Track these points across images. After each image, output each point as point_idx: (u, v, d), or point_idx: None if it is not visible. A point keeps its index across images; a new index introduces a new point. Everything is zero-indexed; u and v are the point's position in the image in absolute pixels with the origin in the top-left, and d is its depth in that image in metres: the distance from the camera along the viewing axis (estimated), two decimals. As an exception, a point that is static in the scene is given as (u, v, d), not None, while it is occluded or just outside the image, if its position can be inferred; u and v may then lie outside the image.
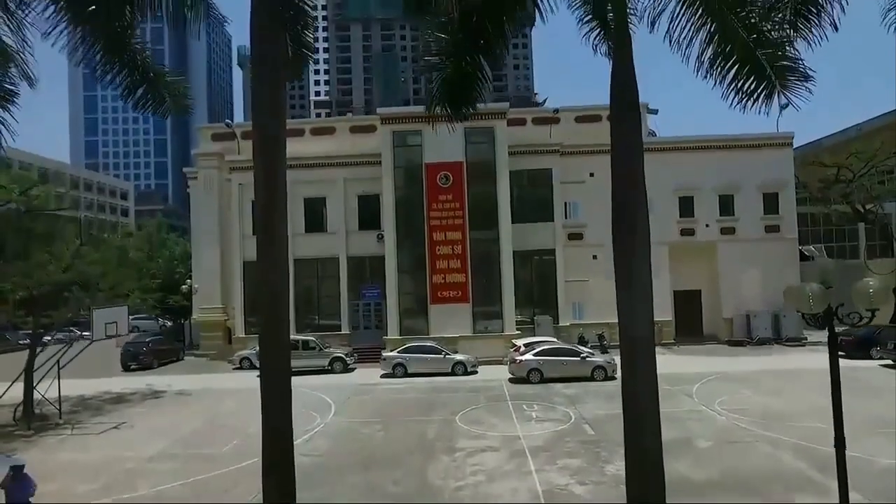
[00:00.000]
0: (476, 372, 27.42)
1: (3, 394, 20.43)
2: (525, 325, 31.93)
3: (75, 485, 14.10)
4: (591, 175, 32.46)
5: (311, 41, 10.42)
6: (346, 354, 29.63)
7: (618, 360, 8.33)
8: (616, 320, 7.91)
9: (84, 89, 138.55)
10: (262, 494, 8.13)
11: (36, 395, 20.70)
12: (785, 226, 34.83)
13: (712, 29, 8.61)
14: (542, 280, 33.55)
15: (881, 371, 24.30)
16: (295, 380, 9.25)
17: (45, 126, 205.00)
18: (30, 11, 9.48)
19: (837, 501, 7.57)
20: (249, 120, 11.55)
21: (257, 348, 9.35)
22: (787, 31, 8.54)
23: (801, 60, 8.40)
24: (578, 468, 14.07)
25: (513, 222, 31.82)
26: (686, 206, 34.79)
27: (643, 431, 7.63)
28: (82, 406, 23.04)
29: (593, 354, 25.98)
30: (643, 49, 9.42)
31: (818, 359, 19.32)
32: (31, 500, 10.87)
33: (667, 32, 8.92)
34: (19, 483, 10.74)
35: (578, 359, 24.90)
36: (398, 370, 27.21)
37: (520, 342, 27.39)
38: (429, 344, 28.35)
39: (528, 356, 25.00)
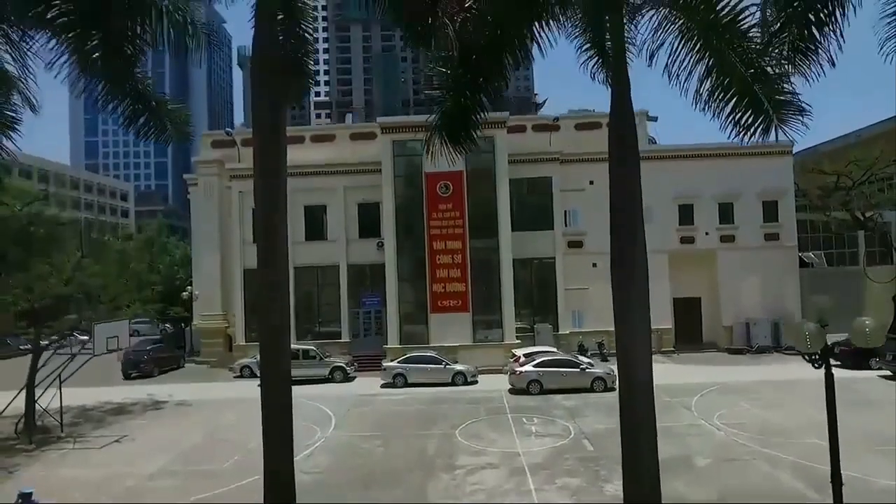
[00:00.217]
0: (476, 382, 27.46)
1: (4, 410, 20.47)
2: (525, 332, 31.94)
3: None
4: (591, 183, 32.34)
5: (312, 71, 10.50)
6: (347, 364, 29.60)
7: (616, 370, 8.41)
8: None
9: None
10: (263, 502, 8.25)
11: (37, 407, 20.73)
12: (784, 233, 34.87)
13: (710, 63, 8.69)
14: (541, 288, 33.60)
15: (880, 382, 24.37)
16: (295, 390, 9.32)
17: (45, 126, 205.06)
18: (33, 43, 9.61)
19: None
20: (249, 122, 11.62)
21: (258, 356, 9.37)
22: (785, 66, 8.60)
23: (798, 95, 8.49)
24: (578, 488, 14.16)
25: (513, 230, 31.82)
26: (686, 214, 34.83)
27: (640, 445, 7.76)
28: (84, 417, 23.09)
29: (593, 365, 26.04)
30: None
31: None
32: None
33: (665, 66, 9.04)
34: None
35: (578, 370, 24.95)
36: (398, 380, 27.26)
37: (519, 352, 27.38)
38: (429, 354, 28.37)
39: (528, 367, 25.04)
